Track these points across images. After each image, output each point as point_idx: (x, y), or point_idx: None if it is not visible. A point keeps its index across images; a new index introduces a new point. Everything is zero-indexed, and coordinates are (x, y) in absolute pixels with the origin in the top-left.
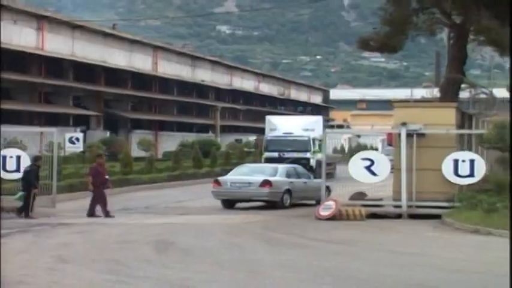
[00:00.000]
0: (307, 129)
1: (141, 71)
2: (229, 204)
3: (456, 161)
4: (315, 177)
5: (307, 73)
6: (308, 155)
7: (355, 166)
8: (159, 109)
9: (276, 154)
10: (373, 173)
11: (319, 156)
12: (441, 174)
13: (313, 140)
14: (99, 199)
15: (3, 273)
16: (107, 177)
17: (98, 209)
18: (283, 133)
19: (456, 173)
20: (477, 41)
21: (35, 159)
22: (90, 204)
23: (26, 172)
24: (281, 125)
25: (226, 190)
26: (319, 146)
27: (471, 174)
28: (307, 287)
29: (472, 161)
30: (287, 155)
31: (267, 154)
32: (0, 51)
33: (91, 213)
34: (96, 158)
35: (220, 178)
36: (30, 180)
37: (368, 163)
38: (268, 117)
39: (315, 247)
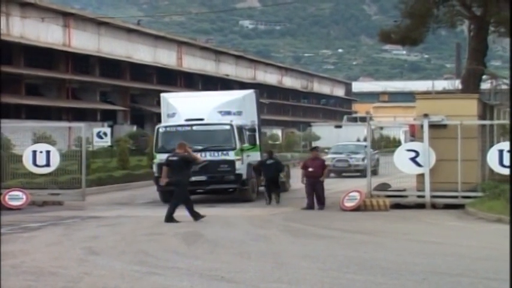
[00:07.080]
0: (228, 113)
1: (166, 66)
2: None
3: (501, 151)
4: (243, 192)
5: (329, 66)
6: (232, 155)
7: (400, 157)
8: None
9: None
10: (418, 164)
11: (251, 156)
12: (464, 164)
13: (241, 129)
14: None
15: (36, 263)
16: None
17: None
18: (187, 120)
19: (501, 163)
20: (497, 32)
21: (269, 153)
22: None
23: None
24: (183, 108)
25: None
26: (252, 139)
27: None
28: (332, 276)
29: None
30: None
31: (160, 157)
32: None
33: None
34: (311, 152)
35: None
36: (267, 175)
37: (413, 154)
38: (164, 96)
39: (340, 237)
